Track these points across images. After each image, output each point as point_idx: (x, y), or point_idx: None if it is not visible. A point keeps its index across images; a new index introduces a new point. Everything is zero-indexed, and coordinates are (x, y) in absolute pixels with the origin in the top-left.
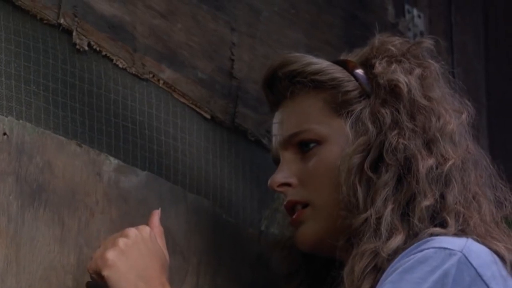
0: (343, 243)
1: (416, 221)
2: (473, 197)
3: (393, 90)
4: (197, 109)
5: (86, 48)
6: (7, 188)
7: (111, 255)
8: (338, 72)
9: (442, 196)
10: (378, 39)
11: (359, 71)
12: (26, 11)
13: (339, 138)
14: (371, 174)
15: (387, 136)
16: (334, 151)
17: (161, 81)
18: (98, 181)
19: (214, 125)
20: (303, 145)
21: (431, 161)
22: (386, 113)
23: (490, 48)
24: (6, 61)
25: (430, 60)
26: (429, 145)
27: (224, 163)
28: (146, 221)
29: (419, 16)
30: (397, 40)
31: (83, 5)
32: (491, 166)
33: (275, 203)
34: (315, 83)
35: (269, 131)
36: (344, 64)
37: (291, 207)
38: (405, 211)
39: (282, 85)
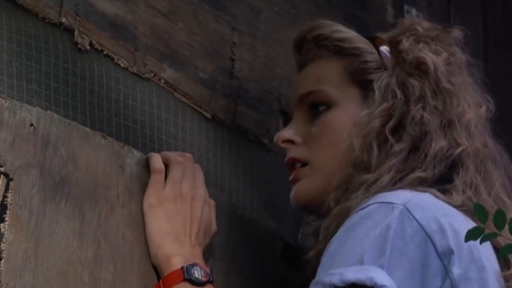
0: (335, 196)
1: (403, 186)
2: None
3: (419, 66)
4: (198, 109)
5: (88, 47)
6: (30, 180)
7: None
8: (362, 43)
9: (448, 179)
10: (407, 19)
11: (384, 47)
12: (28, 10)
13: (349, 105)
14: (391, 139)
15: (411, 107)
16: (341, 116)
17: (162, 81)
18: (120, 174)
19: (215, 125)
20: (314, 107)
21: (444, 143)
22: (416, 85)
23: (489, 49)
24: (8, 60)
25: (456, 49)
26: (445, 126)
27: (224, 163)
28: None
29: (418, 16)
30: (426, 24)
31: (85, 4)
32: (510, 166)
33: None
34: (337, 49)
35: (269, 131)
36: (371, 38)
37: (291, 164)
38: (400, 179)
39: (308, 47)
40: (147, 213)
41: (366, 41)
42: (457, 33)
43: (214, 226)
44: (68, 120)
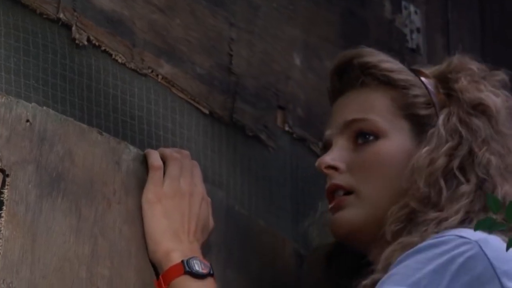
0: (395, 229)
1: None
2: None
3: (479, 107)
4: (196, 105)
5: (86, 43)
6: (26, 176)
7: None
8: (409, 75)
9: None
10: (456, 57)
11: (430, 81)
12: (25, 6)
13: (398, 137)
14: (461, 178)
15: (476, 148)
16: (391, 148)
17: (160, 76)
18: (116, 170)
19: (213, 121)
20: (361, 136)
21: (508, 186)
22: (480, 126)
23: (487, 44)
24: (6, 55)
25: (506, 93)
26: (504, 170)
27: (222, 159)
28: None
29: (415, 12)
30: (476, 63)
31: (83, 0)
32: None
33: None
34: (386, 79)
35: (267, 127)
36: (417, 72)
37: (333, 191)
38: (470, 220)
39: (354, 74)
40: (146, 210)
41: (412, 73)
42: (503, 75)
43: (211, 223)
44: (64, 116)
